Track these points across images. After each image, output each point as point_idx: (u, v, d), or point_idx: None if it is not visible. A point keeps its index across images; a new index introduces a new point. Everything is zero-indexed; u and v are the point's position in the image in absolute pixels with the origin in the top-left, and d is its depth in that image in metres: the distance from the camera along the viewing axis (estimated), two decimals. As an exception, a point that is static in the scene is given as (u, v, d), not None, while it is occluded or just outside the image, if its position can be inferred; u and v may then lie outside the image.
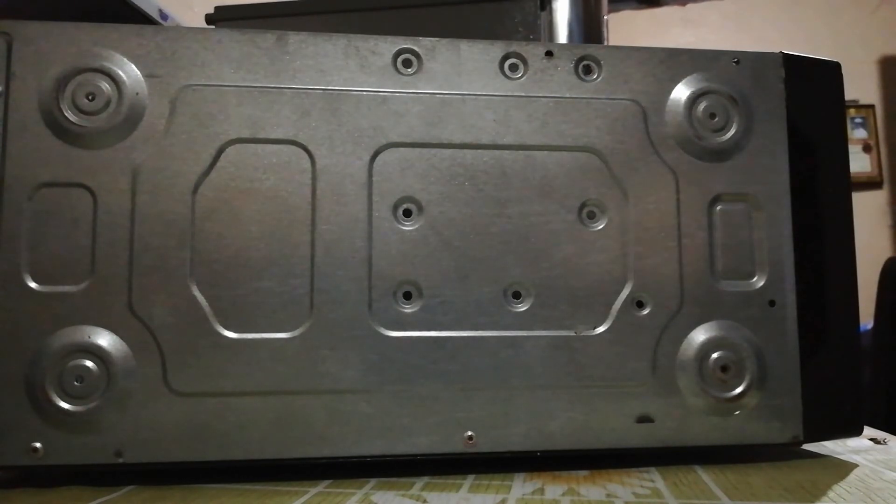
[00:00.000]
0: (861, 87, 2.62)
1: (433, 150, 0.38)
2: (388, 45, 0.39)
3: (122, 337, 0.35)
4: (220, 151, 0.37)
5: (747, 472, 0.37)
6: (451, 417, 0.37)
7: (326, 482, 0.35)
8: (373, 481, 0.35)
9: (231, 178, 0.37)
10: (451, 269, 0.38)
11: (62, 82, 0.36)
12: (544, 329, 0.38)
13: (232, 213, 0.36)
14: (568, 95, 0.39)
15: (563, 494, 0.33)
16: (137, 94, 0.36)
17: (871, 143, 2.64)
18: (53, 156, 0.35)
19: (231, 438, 0.35)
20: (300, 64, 0.38)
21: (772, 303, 0.39)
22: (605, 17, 0.69)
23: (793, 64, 0.41)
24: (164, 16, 0.66)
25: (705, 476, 0.36)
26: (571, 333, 0.38)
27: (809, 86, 0.41)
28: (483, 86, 0.39)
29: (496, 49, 0.39)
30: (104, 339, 0.35)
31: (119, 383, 0.35)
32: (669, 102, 0.40)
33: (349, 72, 0.38)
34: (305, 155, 0.37)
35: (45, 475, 0.36)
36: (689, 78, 0.40)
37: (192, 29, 0.38)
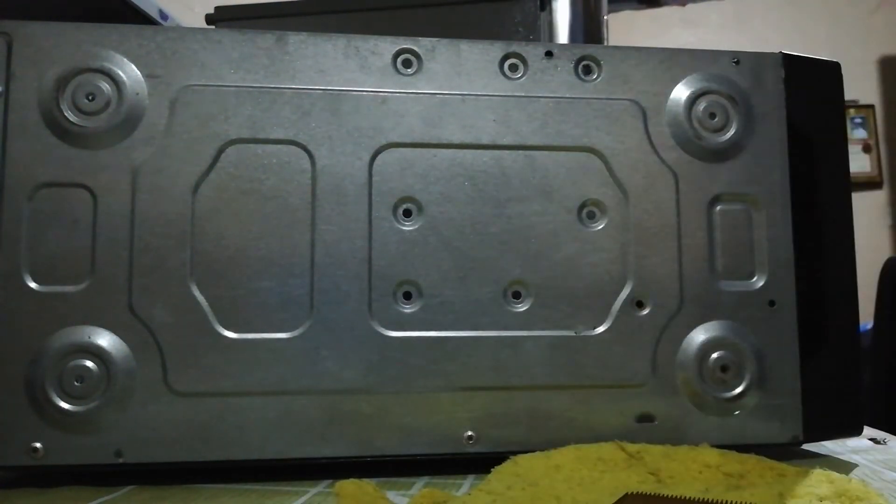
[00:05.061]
0: (861, 87, 2.62)
1: (433, 151, 0.38)
2: (388, 45, 0.39)
3: (122, 337, 0.35)
4: (220, 151, 0.37)
5: (747, 471, 0.37)
6: (451, 417, 0.37)
7: (326, 482, 0.35)
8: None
9: (231, 179, 0.37)
10: (451, 269, 0.38)
11: (62, 82, 0.36)
12: (544, 329, 0.38)
13: (232, 213, 0.36)
14: (568, 95, 0.39)
15: (563, 494, 0.33)
16: (137, 94, 0.36)
17: (871, 143, 2.64)
18: (53, 156, 0.35)
19: (231, 438, 0.35)
20: (300, 64, 0.38)
21: (772, 303, 0.39)
22: (605, 18, 0.69)
23: (793, 64, 0.41)
24: (164, 16, 0.66)
25: (705, 476, 0.36)
26: (571, 333, 0.38)
27: (809, 86, 0.41)
28: (483, 86, 0.39)
29: (496, 49, 0.39)
30: (104, 340, 0.35)
31: (119, 383, 0.35)
32: (669, 102, 0.40)
33: (349, 72, 0.38)
34: (305, 155, 0.37)
35: (45, 475, 0.36)
36: (688, 78, 0.40)
37: (192, 29, 0.38)
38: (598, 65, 0.40)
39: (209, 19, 0.60)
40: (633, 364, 0.38)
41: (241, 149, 0.37)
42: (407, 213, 0.38)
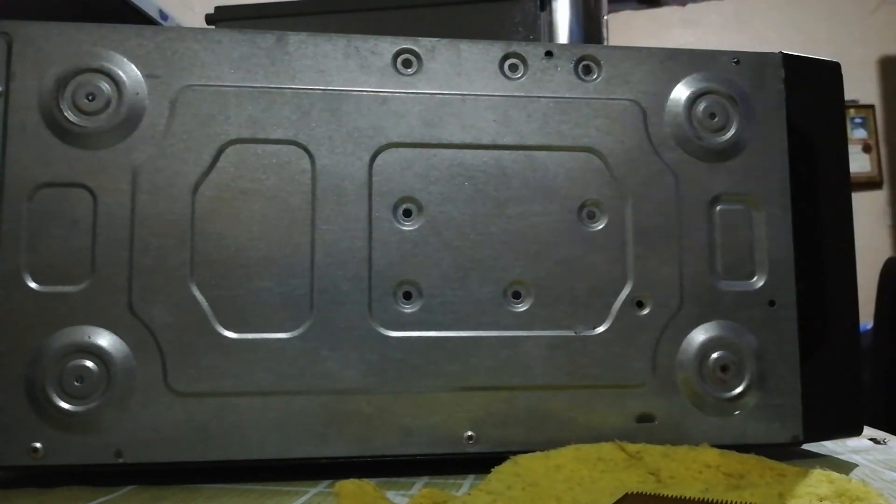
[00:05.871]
0: (861, 87, 2.62)
1: (433, 151, 0.38)
2: (387, 46, 0.39)
3: (122, 337, 0.35)
4: (220, 151, 0.37)
5: (747, 471, 0.37)
6: (451, 417, 0.37)
7: (326, 482, 0.35)
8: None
9: (231, 179, 0.37)
10: (451, 269, 0.38)
11: (62, 82, 0.36)
12: (544, 329, 0.38)
13: (232, 214, 0.36)
14: (568, 95, 0.39)
15: (563, 494, 0.33)
16: (137, 94, 0.36)
17: (871, 143, 2.65)
18: (53, 156, 0.35)
19: (231, 438, 0.35)
20: (300, 64, 0.38)
21: (772, 303, 0.39)
22: (605, 17, 0.69)
23: (793, 64, 0.41)
24: (164, 16, 0.66)
25: (705, 476, 0.36)
26: (571, 333, 0.38)
27: (809, 86, 0.41)
28: (483, 86, 0.39)
29: (496, 49, 0.39)
30: (104, 340, 0.35)
31: (119, 383, 0.35)
32: (669, 102, 0.40)
33: (349, 72, 0.38)
34: (305, 155, 0.37)
35: (45, 475, 0.36)
36: (688, 78, 0.40)
37: (192, 29, 0.38)
38: (598, 65, 0.40)
39: (209, 19, 0.60)
40: (633, 364, 0.38)
41: (241, 149, 0.37)
42: (407, 213, 0.38)
